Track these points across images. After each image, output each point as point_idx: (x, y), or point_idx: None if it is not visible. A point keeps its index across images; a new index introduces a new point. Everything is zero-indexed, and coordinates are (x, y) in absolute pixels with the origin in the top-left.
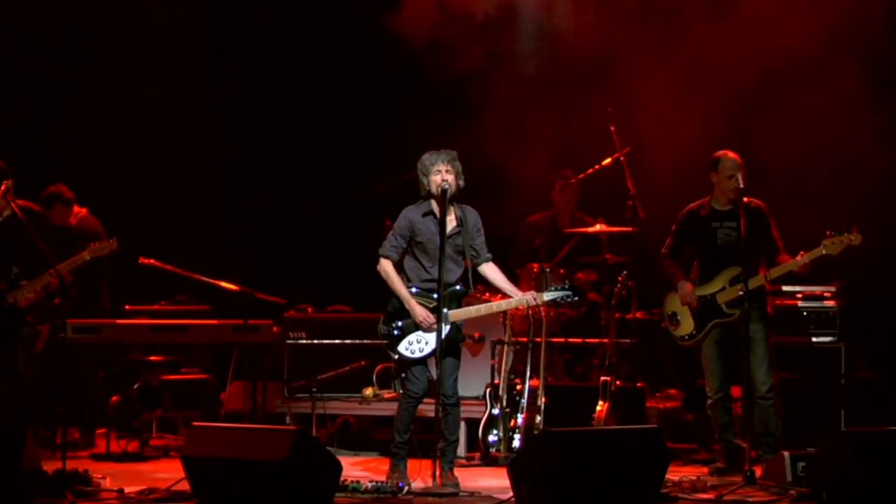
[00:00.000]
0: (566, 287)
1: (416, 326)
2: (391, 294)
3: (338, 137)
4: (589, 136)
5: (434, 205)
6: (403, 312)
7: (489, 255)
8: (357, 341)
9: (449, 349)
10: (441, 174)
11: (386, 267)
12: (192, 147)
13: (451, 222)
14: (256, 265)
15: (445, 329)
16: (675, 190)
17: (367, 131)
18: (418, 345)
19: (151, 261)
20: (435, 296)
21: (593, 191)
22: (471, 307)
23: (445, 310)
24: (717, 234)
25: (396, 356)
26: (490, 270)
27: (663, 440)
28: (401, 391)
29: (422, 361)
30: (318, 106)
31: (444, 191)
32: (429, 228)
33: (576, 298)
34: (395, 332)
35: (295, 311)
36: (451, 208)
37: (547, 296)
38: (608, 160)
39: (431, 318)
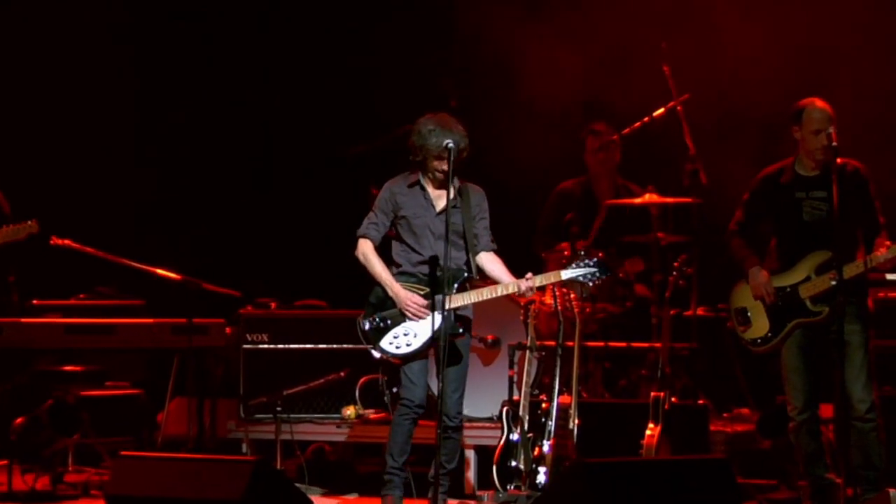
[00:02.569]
0: (591, 262)
1: (403, 316)
2: (373, 282)
3: (303, 83)
4: (635, 77)
5: (423, 176)
6: (388, 302)
7: (492, 246)
8: (334, 346)
9: (450, 353)
10: (445, 163)
11: (364, 248)
12: (114, 101)
13: (442, 197)
14: (203, 248)
15: (438, 319)
16: (749, 149)
17: (342, 71)
18: (405, 338)
19: (67, 242)
20: (427, 278)
21: (641, 151)
22: (471, 291)
23: (440, 296)
24: (801, 207)
25: (379, 355)
26: (488, 261)
27: (732, 474)
28: (391, 411)
29: (414, 360)
30: (282, 37)
31: (449, 151)
32: (416, 202)
33: (603, 276)
34: (378, 325)
35: (253, 307)
36: (446, 182)
37: (566, 273)
38: (660, 111)
39: (419, 302)
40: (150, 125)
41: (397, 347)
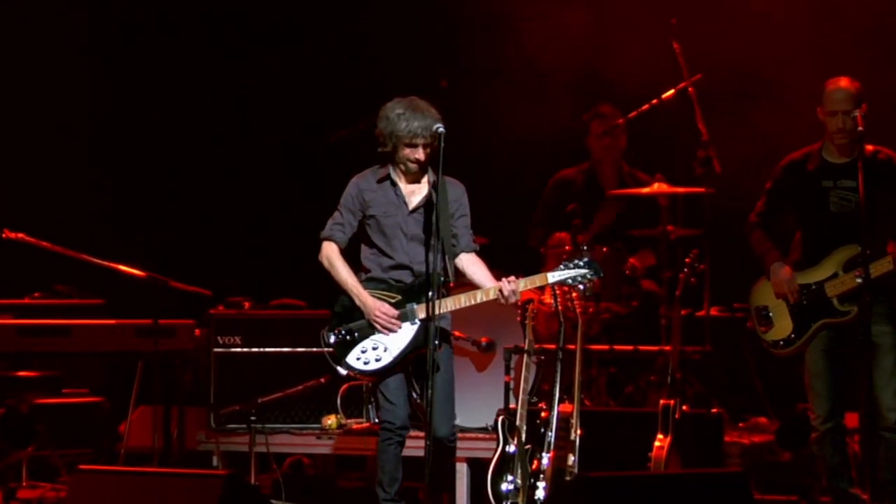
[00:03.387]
0: (582, 263)
1: (371, 328)
2: (339, 290)
3: (278, 64)
4: (642, 55)
5: (394, 169)
6: (356, 312)
7: (473, 246)
8: (314, 350)
9: (423, 366)
10: (417, 150)
11: (328, 252)
12: (71, 86)
13: (417, 192)
14: (170, 243)
15: (413, 330)
16: (770, 134)
17: (319, 50)
18: (374, 353)
19: (20, 235)
20: (400, 285)
21: (649, 136)
22: (447, 299)
23: (414, 304)
24: (828, 197)
25: (346, 372)
26: (469, 264)
27: (749, 488)
28: (376, 420)
29: (388, 376)
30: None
31: (439, 135)
32: (386, 199)
33: (594, 279)
34: (344, 338)
35: (225, 306)
36: (420, 175)
37: (552, 277)
38: (670, 92)
39: (389, 312)
40: (113, 112)
41: (365, 363)
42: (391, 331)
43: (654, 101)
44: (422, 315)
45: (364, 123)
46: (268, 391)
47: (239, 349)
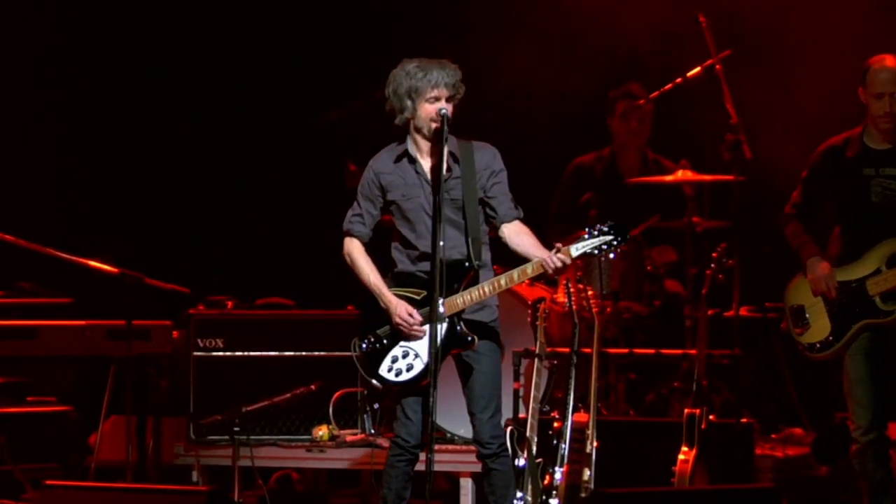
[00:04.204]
0: (605, 229)
1: (398, 333)
2: (365, 291)
3: (261, 37)
4: (665, 30)
5: (412, 143)
6: (380, 315)
7: (515, 213)
8: (303, 353)
9: (464, 366)
10: (441, 102)
11: (350, 248)
12: (43, 78)
13: (444, 165)
14: (146, 237)
15: (442, 329)
16: (806, 116)
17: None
18: (405, 361)
19: None
20: (427, 278)
21: (672, 118)
22: (468, 291)
23: (440, 299)
24: (870, 187)
25: (380, 385)
26: (514, 234)
27: None
28: (372, 431)
29: (413, 389)
30: None
31: (439, 130)
32: (404, 180)
33: (622, 243)
34: (374, 346)
35: (206, 306)
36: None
37: (576, 249)
38: (696, 70)
39: (411, 316)
40: (87, 100)
41: (398, 374)
42: (416, 337)
43: (679, 79)
44: (450, 310)
45: (360, 102)
46: (253, 399)
47: (221, 353)
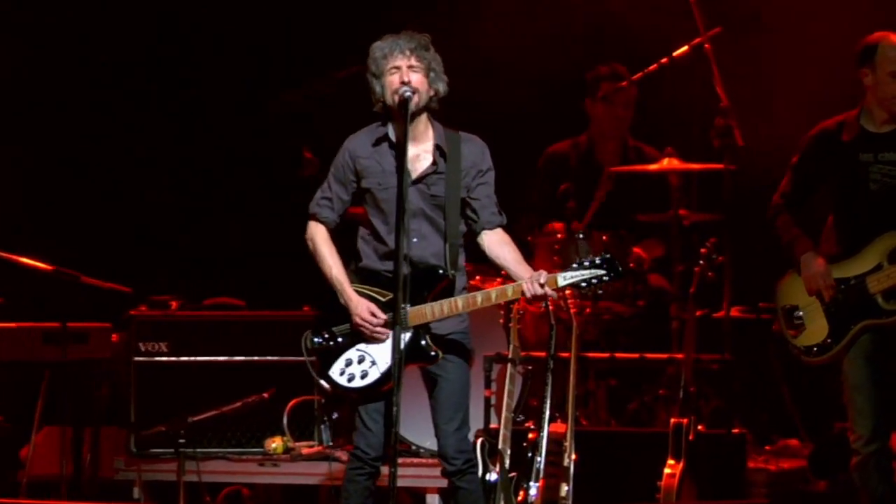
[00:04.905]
0: (598, 262)
1: (357, 334)
2: (325, 282)
3: (213, 9)
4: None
5: (393, 127)
6: (339, 311)
7: (499, 219)
8: (255, 358)
9: (439, 374)
10: (400, 73)
11: (313, 234)
12: None
13: (422, 157)
14: (83, 232)
15: (403, 339)
16: (801, 99)
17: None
18: (359, 366)
19: None
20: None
21: (657, 102)
22: (440, 302)
23: (406, 306)
24: (868, 173)
25: (328, 386)
26: (494, 242)
27: None
28: (330, 443)
29: (372, 396)
30: None
31: (403, 100)
32: (382, 166)
33: (615, 277)
34: (328, 344)
35: (148, 307)
36: (426, 131)
37: (563, 278)
38: (683, 48)
39: (375, 318)
40: (19, 87)
41: (350, 379)
42: (378, 340)
43: (664, 59)
44: (416, 320)
45: (318, 85)
46: (200, 409)
47: (165, 358)
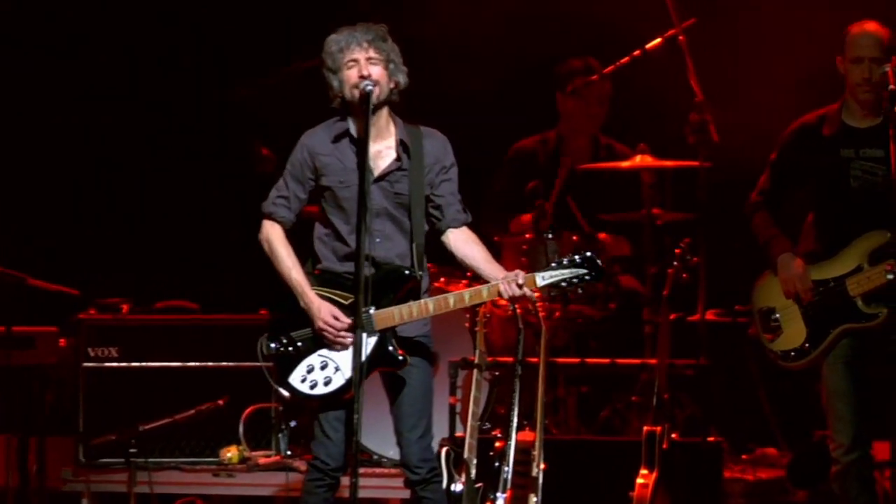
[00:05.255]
0: (578, 260)
1: (319, 339)
2: (282, 284)
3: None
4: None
5: (353, 122)
6: (298, 315)
7: (464, 217)
8: (209, 364)
9: (401, 379)
10: (358, 66)
11: (269, 234)
12: None
13: (384, 153)
14: (29, 232)
15: (369, 343)
16: (782, 94)
17: None
18: (322, 372)
19: None
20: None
21: (629, 96)
22: (408, 305)
23: (371, 309)
24: (849, 170)
25: (287, 394)
26: (460, 241)
27: None
28: (288, 453)
29: (333, 404)
30: None
31: (365, 95)
32: (343, 163)
33: (595, 279)
34: (287, 350)
35: (98, 310)
36: (388, 127)
37: (542, 278)
38: (656, 41)
39: (339, 322)
40: None
41: (312, 386)
42: (341, 346)
43: (636, 52)
44: (382, 324)
45: (273, 78)
46: (152, 416)
47: (115, 363)
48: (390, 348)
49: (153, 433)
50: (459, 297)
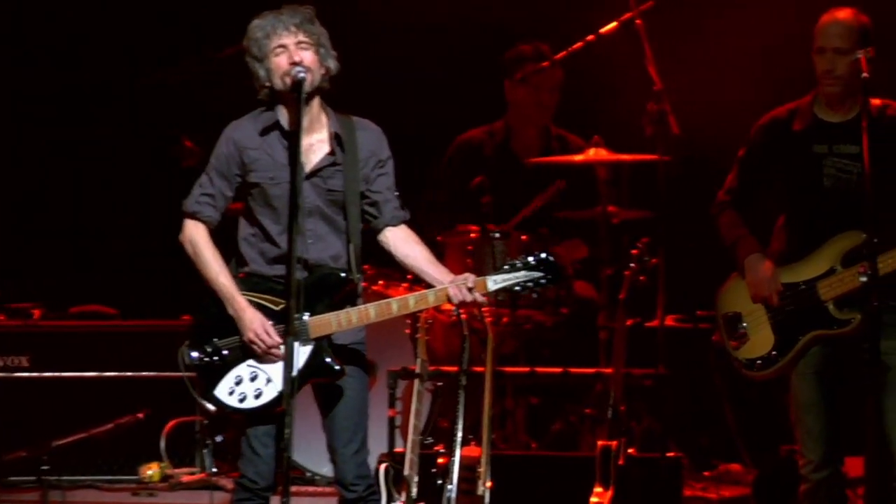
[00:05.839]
0: (532, 262)
1: (248, 349)
2: (205, 288)
3: None
4: None
5: (283, 111)
6: (225, 322)
7: (402, 214)
8: (128, 374)
9: (334, 390)
10: (288, 52)
11: (192, 235)
12: None
13: (316, 147)
14: None
15: (304, 353)
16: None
17: None
18: (252, 384)
19: None
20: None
21: (582, 85)
22: (346, 311)
23: (305, 315)
24: (822, 167)
25: (214, 407)
26: (399, 241)
27: None
28: (214, 470)
29: (264, 418)
30: None
31: (297, 82)
32: (273, 158)
33: (552, 282)
34: (212, 360)
35: (6, 315)
36: (320, 117)
37: (493, 282)
38: (611, 25)
39: (269, 336)
40: None
41: (241, 399)
42: (272, 360)
43: (590, 37)
44: (318, 332)
45: (195, 65)
46: (66, 431)
47: (25, 373)
48: (326, 358)
49: (68, 449)
50: (403, 302)
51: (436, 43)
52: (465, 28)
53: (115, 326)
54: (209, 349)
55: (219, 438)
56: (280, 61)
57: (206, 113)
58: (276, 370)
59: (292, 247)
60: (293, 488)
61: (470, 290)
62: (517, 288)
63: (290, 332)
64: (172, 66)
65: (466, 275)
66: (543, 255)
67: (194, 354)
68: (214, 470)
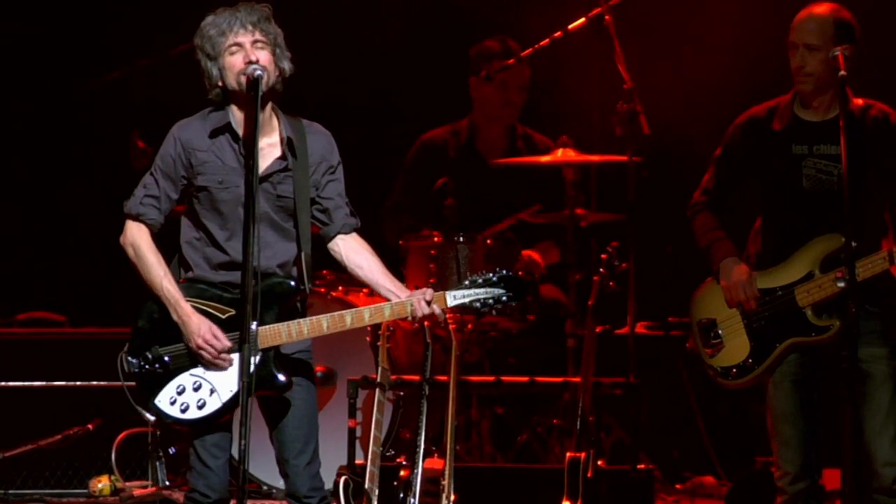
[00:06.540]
0: (495, 279)
1: (193, 357)
2: (146, 292)
3: None
4: None
5: (234, 113)
6: (168, 329)
7: (353, 222)
8: (77, 383)
9: (281, 401)
10: (244, 50)
11: (134, 237)
12: None
13: (266, 151)
14: None
15: (251, 363)
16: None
17: None
18: (196, 394)
19: None
20: (235, 294)
21: (549, 83)
22: (297, 322)
23: (253, 325)
24: (801, 168)
25: (152, 417)
26: (350, 250)
27: None
28: (166, 483)
29: (206, 429)
30: None
31: (254, 81)
32: (222, 161)
33: (514, 300)
34: (154, 368)
35: None
36: (271, 120)
37: (453, 297)
38: (579, 21)
39: (219, 341)
40: None
41: (183, 409)
42: (220, 368)
43: (557, 33)
44: (266, 342)
45: (153, 60)
46: (12, 442)
47: None
48: (274, 370)
49: (14, 461)
50: (358, 315)
51: (400, 41)
52: (427, 24)
53: (64, 334)
54: (150, 356)
55: (171, 450)
56: (235, 60)
57: (158, 111)
58: (219, 380)
59: (248, 253)
60: (248, 502)
61: (428, 303)
62: (477, 305)
63: (247, 340)
64: (123, 65)
65: (424, 289)
66: (507, 273)
67: (134, 361)
68: (167, 483)
